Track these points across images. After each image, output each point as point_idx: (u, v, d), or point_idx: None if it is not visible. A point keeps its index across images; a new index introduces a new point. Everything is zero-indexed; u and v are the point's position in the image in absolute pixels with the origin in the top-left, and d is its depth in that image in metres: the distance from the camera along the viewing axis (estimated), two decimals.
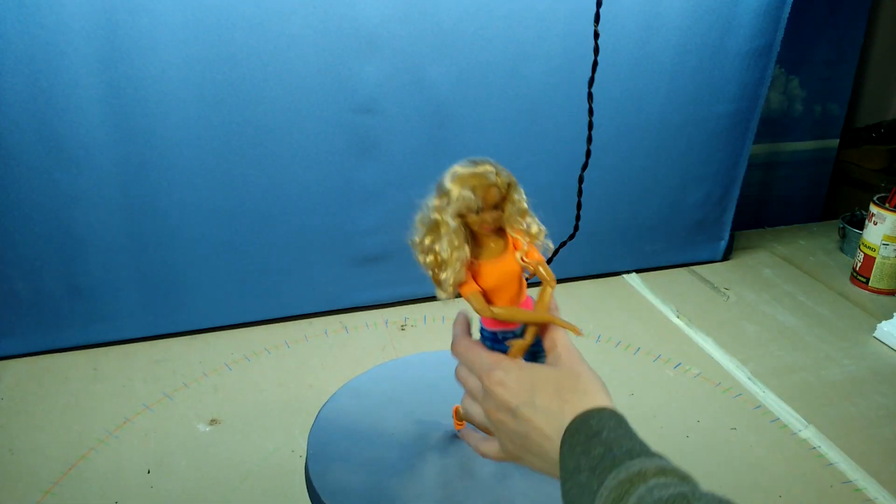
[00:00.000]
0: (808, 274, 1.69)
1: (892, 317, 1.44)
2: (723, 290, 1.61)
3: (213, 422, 1.15)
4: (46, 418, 1.15)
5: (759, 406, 1.23)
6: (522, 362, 0.56)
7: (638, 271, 1.68)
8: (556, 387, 0.52)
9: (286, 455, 1.08)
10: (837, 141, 2.00)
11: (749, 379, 1.29)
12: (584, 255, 1.60)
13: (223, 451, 1.09)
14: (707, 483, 0.43)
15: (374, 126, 1.30)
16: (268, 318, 1.42)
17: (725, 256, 1.74)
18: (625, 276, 1.67)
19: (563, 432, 0.50)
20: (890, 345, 1.40)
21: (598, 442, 0.47)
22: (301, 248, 1.37)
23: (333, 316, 1.45)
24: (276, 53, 1.19)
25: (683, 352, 1.38)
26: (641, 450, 0.46)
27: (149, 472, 1.05)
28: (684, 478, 0.44)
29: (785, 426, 1.18)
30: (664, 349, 1.38)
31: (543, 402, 0.52)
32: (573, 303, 1.56)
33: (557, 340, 0.56)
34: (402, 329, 1.42)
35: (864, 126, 2.09)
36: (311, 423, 0.71)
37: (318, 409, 0.73)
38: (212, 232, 1.30)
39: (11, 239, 1.19)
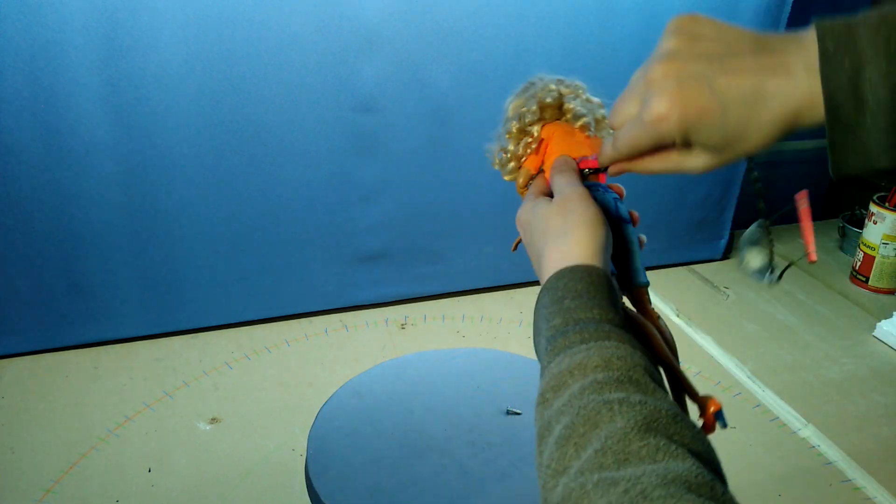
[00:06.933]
0: (807, 273, 1.69)
1: (891, 316, 1.44)
2: (722, 288, 1.61)
3: (213, 420, 1.16)
4: (47, 417, 1.15)
5: (758, 405, 1.23)
6: (535, 202, 0.53)
7: None
8: (542, 228, 0.50)
9: (286, 453, 1.09)
10: None
11: (748, 378, 1.29)
12: None
13: (224, 449, 1.10)
14: None
15: (373, 124, 1.30)
16: (268, 316, 1.42)
17: (725, 255, 1.74)
18: None
19: (542, 285, 0.48)
20: (889, 344, 1.41)
21: (558, 310, 0.44)
22: (301, 246, 1.37)
23: (334, 315, 1.45)
24: (276, 52, 1.19)
25: (683, 350, 1.38)
26: (597, 330, 0.42)
27: (149, 470, 1.05)
28: (628, 375, 0.39)
29: (784, 425, 1.18)
30: None
31: (534, 245, 0.51)
32: None
33: (554, 177, 0.54)
34: (402, 328, 1.42)
35: None
36: (312, 421, 0.72)
37: (319, 407, 0.73)
38: (212, 230, 1.30)
39: (12, 237, 1.19)
